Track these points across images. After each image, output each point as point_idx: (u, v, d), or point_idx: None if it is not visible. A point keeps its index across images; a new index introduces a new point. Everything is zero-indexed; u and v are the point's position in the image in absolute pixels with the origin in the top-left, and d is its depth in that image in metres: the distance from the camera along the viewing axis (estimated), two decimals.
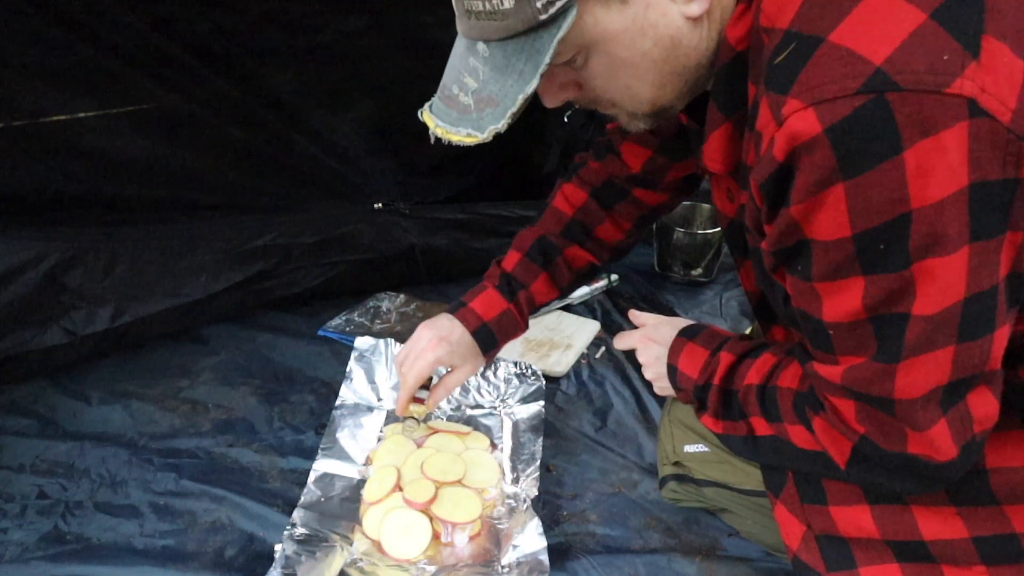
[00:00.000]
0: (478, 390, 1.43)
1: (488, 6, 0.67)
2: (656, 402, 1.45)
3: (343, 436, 1.29)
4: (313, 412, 1.41)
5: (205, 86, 1.51)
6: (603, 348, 1.64)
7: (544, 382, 1.45)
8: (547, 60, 0.68)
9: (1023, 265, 0.63)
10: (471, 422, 1.36)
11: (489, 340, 1.14)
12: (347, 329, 1.66)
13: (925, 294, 0.63)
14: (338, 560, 1.04)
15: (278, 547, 1.06)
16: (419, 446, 1.24)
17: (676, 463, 1.16)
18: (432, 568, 1.05)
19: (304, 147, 1.68)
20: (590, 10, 0.69)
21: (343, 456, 1.24)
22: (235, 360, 1.56)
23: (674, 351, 1.00)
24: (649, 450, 1.34)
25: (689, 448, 1.14)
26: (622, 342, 1.13)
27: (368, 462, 1.23)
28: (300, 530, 1.07)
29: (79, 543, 1.10)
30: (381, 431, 1.31)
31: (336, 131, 1.72)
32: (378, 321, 1.71)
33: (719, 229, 1.82)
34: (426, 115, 0.77)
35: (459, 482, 1.16)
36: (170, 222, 1.60)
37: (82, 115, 1.45)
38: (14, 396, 1.41)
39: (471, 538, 1.10)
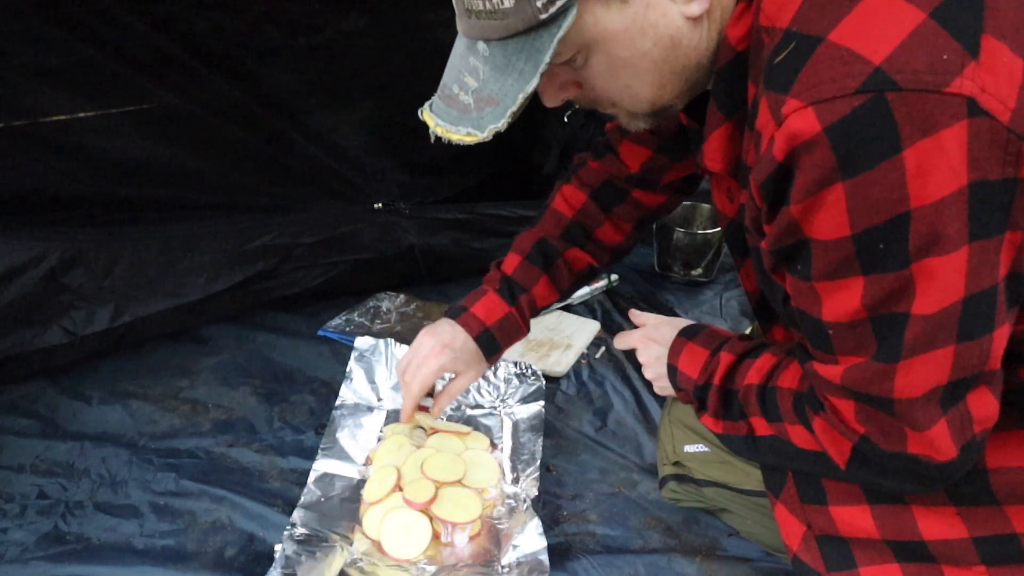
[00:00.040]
0: (478, 390, 1.43)
1: (488, 5, 0.67)
2: (656, 402, 1.45)
3: (343, 436, 1.28)
4: (313, 412, 1.41)
5: (205, 86, 1.51)
6: (603, 348, 1.64)
7: (544, 382, 1.45)
8: (547, 59, 0.68)
9: (1023, 265, 0.63)
10: (471, 422, 1.36)
11: (492, 345, 1.14)
12: (347, 329, 1.66)
13: (925, 294, 0.63)
14: (338, 560, 1.04)
15: (278, 547, 1.06)
16: (419, 446, 1.24)
17: (676, 463, 1.16)
18: (432, 568, 1.05)
19: (304, 147, 1.68)
20: (590, 10, 0.69)
21: (343, 456, 1.24)
22: (235, 360, 1.56)
23: (674, 351, 1.00)
24: (649, 450, 1.34)
25: (689, 448, 1.14)
26: (622, 342, 1.13)
27: (368, 462, 1.23)
28: (300, 530, 1.07)
29: (79, 543, 1.10)
30: (381, 431, 1.31)
31: (336, 131, 1.72)
32: (378, 321, 1.71)
33: (719, 229, 1.82)
34: (426, 114, 0.77)
35: (459, 482, 1.16)
36: (170, 222, 1.60)
37: (82, 115, 1.45)
38: (14, 396, 1.41)
39: (471, 538, 1.10)
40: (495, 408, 1.40)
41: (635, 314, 1.16)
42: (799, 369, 0.82)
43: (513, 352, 1.54)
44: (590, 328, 1.69)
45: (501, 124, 0.71)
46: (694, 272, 1.92)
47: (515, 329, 1.15)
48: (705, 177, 1.05)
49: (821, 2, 0.63)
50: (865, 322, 0.67)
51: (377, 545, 1.07)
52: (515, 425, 1.35)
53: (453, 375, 1.17)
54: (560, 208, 1.18)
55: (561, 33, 0.67)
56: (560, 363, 1.56)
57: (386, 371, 1.44)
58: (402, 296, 1.80)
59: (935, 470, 0.71)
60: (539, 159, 2.02)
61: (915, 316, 0.64)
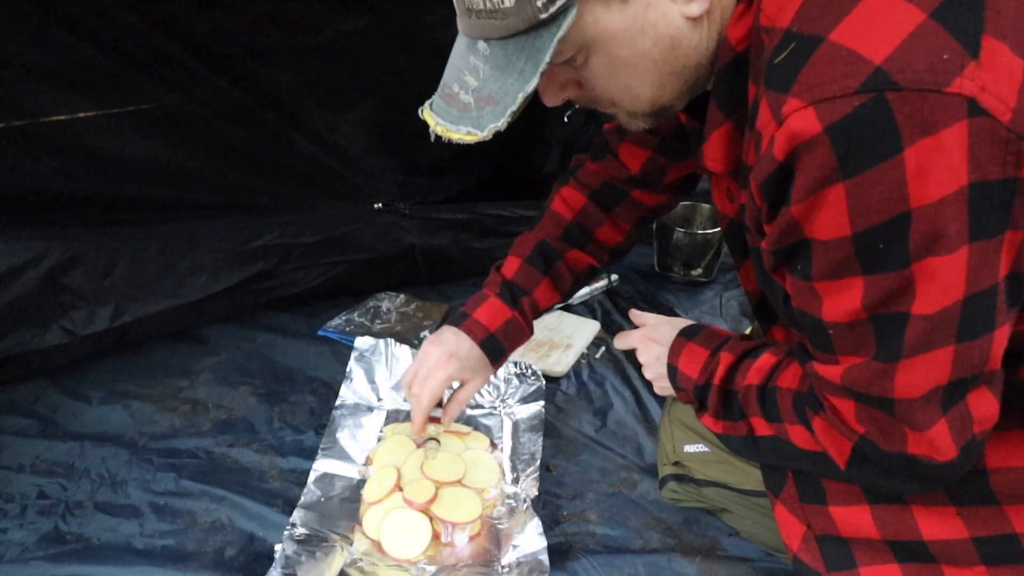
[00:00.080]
0: (478, 390, 1.43)
1: (489, 5, 0.67)
2: (656, 402, 1.45)
3: (343, 436, 1.28)
4: (313, 412, 1.41)
5: (205, 86, 1.51)
6: (603, 348, 1.64)
7: (544, 382, 1.45)
8: (547, 59, 0.68)
9: (1023, 265, 0.63)
10: (471, 422, 1.36)
11: (497, 350, 1.13)
12: (347, 329, 1.66)
13: (925, 293, 0.63)
14: (338, 560, 1.04)
15: (278, 547, 1.06)
16: (419, 446, 1.24)
17: (676, 463, 1.16)
18: (432, 568, 1.05)
19: (304, 147, 1.68)
20: (590, 9, 0.69)
21: (343, 456, 1.24)
22: (235, 360, 1.56)
23: (674, 351, 1.00)
24: (649, 450, 1.34)
25: (689, 448, 1.14)
26: (622, 342, 1.13)
27: (368, 462, 1.23)
28: (300, 530, 1.07)
29: (79, 543, 1.10)
30: (381, 431, 1.31)
31: (336, 131, 1.72)
32: (378, 321, 1.71)
33: (719, 229, 1.82)
34: (426, 113, 0.77)
35: (459, 482, 1.16)
36: (170, 222, 1.60)
37: (82, 115, 1.45)
38: (14, 396, 1.41)
39: (471, 538, 1.10)
40: (495, 408, 1.40)
41: (635, 314, 1.16)
42: (799, 369, 0.82)
43: (514, 352, 1.53)
44: (590, 328, 1.69)
45: (501, 123, 0.71)
46: (694, 272, 1.92)
47: (519, 333, 1.15)
48: (705, 177, 1.05)
49: (821, 2, 0.62)
50: (865, 322, 0.67)
51: (377, 545, 1.07)
52: (515, 425, 1.35)
53: (460, 383, 1.16)
54: (559, 210, 1.18)
55: (561, 33, 0.67)
56: (560, 363, 1.56)
57: (386, 371, 1.44)
58: (402, 296, 1.80)
59: (935, 470, 0.71)
60: (539, 159, 2.02)
61: (915, 316, 0.64)
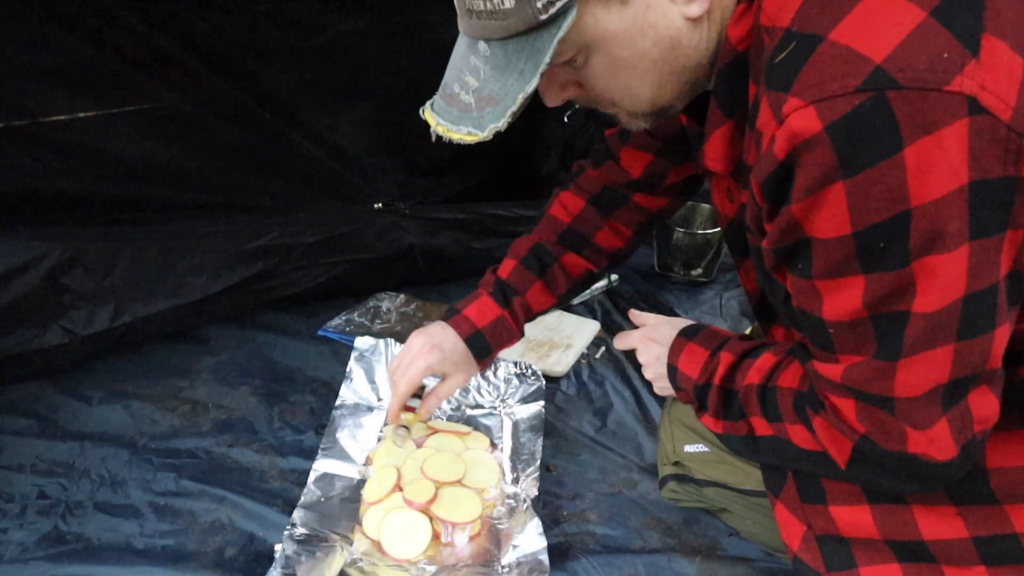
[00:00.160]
0: (478, 390, 1.43)
1: (489, 5, 0.68)
2: (656, 402, 1.45)
3: (343, 436, 1.28)
4: (313, 412, 1.41)
5: (205, 86, 1.51)
6: (603, 348, 1.64)
7: (544, 382, 1.45)
8: (547, 60, 0.68)
9: (1023, 264, 0.63)
10: (471, 422, 1.36)
11: (482, 347, 1.13)
12: (347, 329, 1.66)
13: (925, 292, 0.63)
14: (338, 560, 1.04)
15: (278, 547, 1.06)
16: (419, 446, 1.24)
17: (676, 463, 1.16)
18: (432, 568, 1.05)
19: (304, 147, 1.68)
20: (590, 10, 0.69)
21: (343, 456, 1.24)
22: (235, 360, 1.56)
23: (674, 351, 1.00)
24: (649, 450, 1.34)
25: (689, 448, 1.14)
26: (622, 342, 1.13)
27: (368, 462, 1.23)
28: (300, 530, 1.07)
29: (79, 543, 1.10)
30: (381, 431, 1.31)
31: (336, 131, 1.72)
32: (378, 321, 1.71)
33: (719, 229, 1.82)
34: (427, 113, 0.77)
35: (459, 482, 1.16)
36: (170, 222, 1.60)
37: (82, 115, 1.45)
38: (14, 396, 1.40)
39: (471, 538, 1.10)
40: (495, 408, 1.40)
41: (635, 314, 1.16)
42: (799, 369, 0.82)
43: (513, 352, 1.54)
44: (590, 328, 1.69)
45: (501, 124, 0.71)
46: (694, 272, 1.92)
47: (507, 332, 1.14)
48: (706, 179, 1.05)
49: (821, 1, 0.63)
50: (866, 321, 0.67)
51: (377, 545, 1.07)
52: (515, 425, 1.35)
53: (442, 377, 1.16)
54: (557, 214, 1.18)
55: (561, 34, 0.67)
56: (560, 363, 1.56)
57: (386, 371, 1.44)
58: (402, 296, 1.80)
59: (935, 469, 0.70)
60: (539, 159, 2.02)
61: (916, 314, 0.64)
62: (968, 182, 0.58)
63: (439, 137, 0.76)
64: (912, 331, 0.65)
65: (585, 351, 1.63)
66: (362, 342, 1.48)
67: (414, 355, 1.11)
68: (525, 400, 1.40)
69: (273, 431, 1.35)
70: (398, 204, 1.81)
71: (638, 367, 1.23)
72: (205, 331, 1.63)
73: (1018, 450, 0.76)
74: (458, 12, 0.73)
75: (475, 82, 0.72)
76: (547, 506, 1.20)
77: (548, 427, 1.36)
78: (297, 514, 1.10)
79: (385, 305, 1.77)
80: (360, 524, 1.11)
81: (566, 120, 1.89)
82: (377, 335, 1.53)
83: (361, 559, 1.05)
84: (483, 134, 0.72)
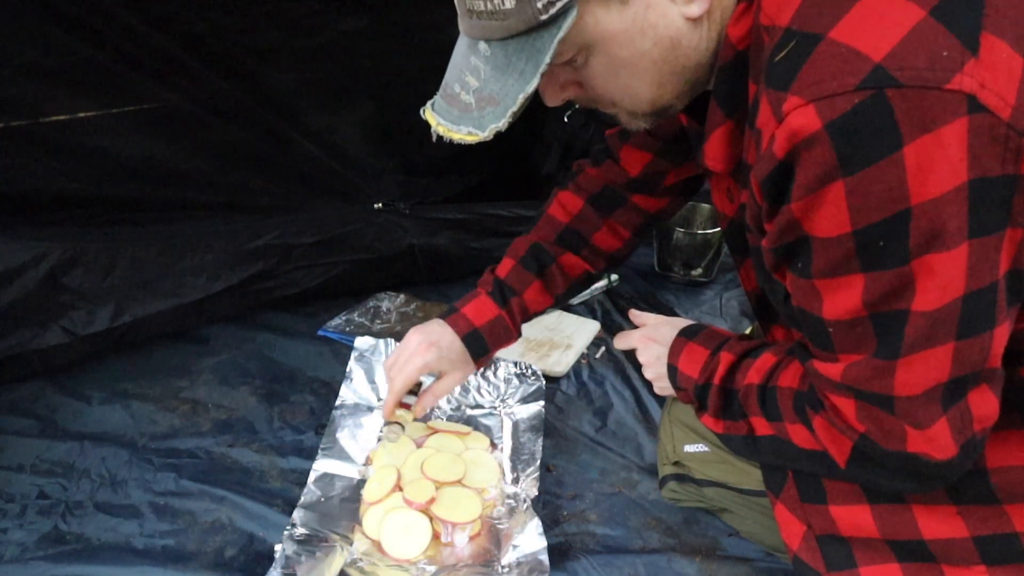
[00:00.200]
0: (478, 390, 1.43)
1: (489, 6, 0.68)
2: (656, 402, 1.45)
3: (343, 436, 1.28)
4: (313, 412, 1.41)
5: (205, 86, 1.51)
6: (603, 348, 1.64)
7: (544, 382, 1.45)
8: (547, 60, 0.68)
9: (1023, 262, 0.63)
10: (471, 422, 1.36)
11: (479, 346, 1.13)
12: (347, 329, 1.66)
13: (925, 290, 0.63)
14: (338, 560, 1.04)
15: (278, 547, 1.06)
16: (419, 446, 1.24)
17: (676, 463, 1.16)
18: (432, 568, 1.05)
19: (304, 147, 1.68)
20: (590, 11, 0.69)
21: (343, 456, 1.24)
22: (235, 360, 1.56)
23: (674, 351, 1.00)
24: (649, 450, 1.34)
25: (689, 448, 1.14)
26: (622, 342, 1.13)
27: (368, 462, 1.23)
28: (300, 530, 1.07)
29: (79, 543, 1.10)
30: (381, 431, 1.31)
31: (336, 131, 1.72)
32: (378, 321, 1.71)
33: (719, 229, 1.82)
34: (428, 113, 0.77)
35: (459, 482, 1.16)
36: (170, 222, 1.60)
37: (82, 115, 1.45)
38: (14, 396, 1.41)
39: (471, 538, 1.10)
40: (495, 408, 1.40)
41: (635, 314, 1.16)
42: (799, 368, 0.82)
43: (513, 352, 1.54)
44: (590, 328, 1.69)
45: (502, 124, 0.71)
46: (694, 272, 1.92)
47: (505, 332, 1.14)
48: (706, 178, 1.05)
49: (821, 0, 0.63)
50: (865, 319, 0.67)
51: (377, 545, 1.07)
52: (515, 425, 1.35)
53: (438, 375, 1.16)
54: (556, 214, 1.18)
55: (561, 34, 0.68)
56: (560, 363, 1.56)
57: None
58: (402, 296, 1.80)
59: (935, 469, 0.70)
60: (539, 159, 2.02)
61: (915, 313, 0.64)
62: (968, 180, 0.58)
63: (440, 137, 0.76)
64: (912, 330, 0.65)
65: (585, 351, 1.63)
66: (362, 342, 1.48)
67: (411, 352, 1.11)
68: (525, 400, 1.40)
69: (273, 431, 1.35)
70: (398, 204, 1.81)
71: (638, 367, 1.23)
72: (205, 331, 1.63)
73: (1018, 450, 0.76)
74: (458, 12, 0.73)
75: (476, 82, 0.72)
76: (547, 506, 1.20)
77: (548, 427, 1.36)
78: (297, 514, 1.10)
79: (385, 305, 1.77)
80: (360, 524, 1.11)
81: (566, 120, 1.89)
82: (377, 335, 1.53)
83: (361, 559, 1.05)
84: (484, 134, 0.72)
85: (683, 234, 1.89)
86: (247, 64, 1.54)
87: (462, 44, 0.75)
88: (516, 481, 1.21)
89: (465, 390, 1.42)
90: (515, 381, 1.45)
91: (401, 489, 1.13)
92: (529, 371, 1.46)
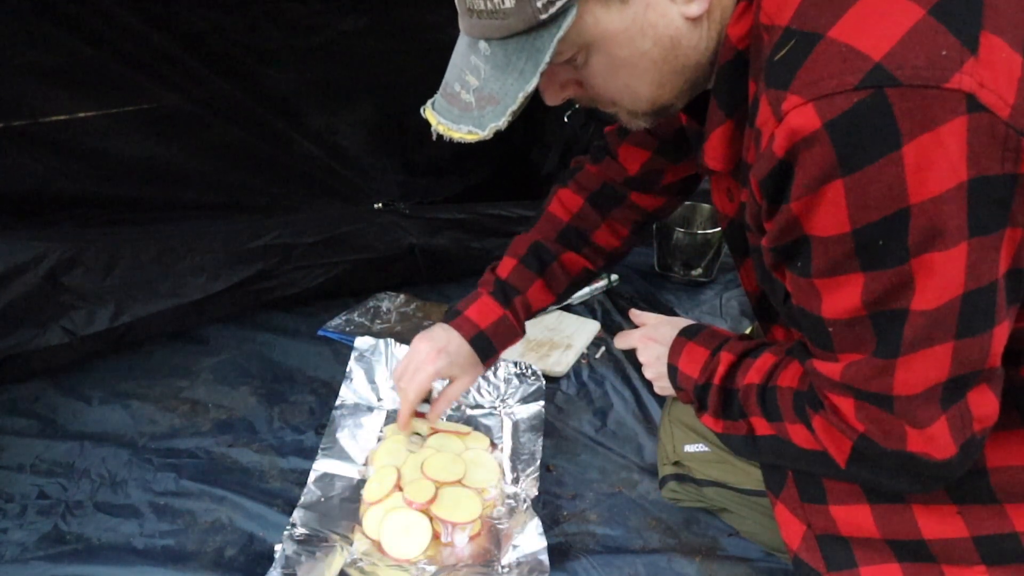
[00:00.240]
0: (478, 390, 1.43)
1: (489, 5, 0.68)
2: (656, 402, 1.45)
3: (343, 436, 1.28)
4: (313, 412, 1.41)
5: (205, 86, 1.51)
6: (603, 348, 1.64)
7: (544, 382, 1.45)
8: (547, 59, 0.68)
9: (1023, 262, 0.63)
10: (471, 422, 1.36)
11: (487, 348, 1.13)
12: (347, 329, 1.66)
13: (924, 289, 0.63)
14: (338, 560, 1.04)
15: (278, 547, 1.06)
16: (413, 452, 1.23)
17: (676, 463, 1.16)
18: (432, 568, 1.05)
19: (304, 147, 1.68)
20: (590, 10, 0.69)
21: (343, 456, 1.24)
22: (235, 360, 1.55)
23: (674, 351, 1.00)
24: (649, 450, 1.34)
25: (689, 448, 1.14)
26: (622, 342, 1.13)
27: (368, 462, 1.23)
28: (300, 530, 1.07)
29: (79, 543, 1.10)
30: (381, 431, 1.31)
31: (336, 131, 1.72)
32: (378, 321, 1.71)
33: (719, 229, 1.82)
34: (428, 112, 0.77)
35: (459, 482, 1.16)
36: (170, 222, 1.60)
37: (82, 115, 1.45)
38: (14, 396, 1.40)
39: (471, 538, 1.09)
40: (495, 408, 1.40)
41: (635, 314, 1.16)
42: (799, 368, 0.82)
43: (513, 352, 1.54)
44: (590, 328, 1.69)
45: (502, 122, 0.71)
46: (694, 272, 1.92)
47: (510, 332, 1.15)
48: (705, 177, 1.05)
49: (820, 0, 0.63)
50: (865, 319, 0.67)
51: (377, 545, 1.07)
52: (515, 425, 1.35)
53: (449, 380, 1.16)
54: (556, 212, 1.18)
55: (561, 33, 0.68)
56: (560, 363, 1.56)
57: (386, 371, 1.44)
58: (402, 296, 1.80)
59: (934, 468, 0.70)
60: (539, 159, 2.02)
61: (914, 312, 0.64)
62: (967, 179, 0.58)
63: (440, 136, 0.76)
64: (911, 329, 0.65)
65: (585, 351, 1.63)
66: (362, 342, 1.48)
67: (420, 361, 1.11)
68: (525, 400, 1.40)
69: (273, 431, 1.35)
70: (398, 204, 1.81)
71: (638, 367, 1.23)
72: (205, 331, 1.63)
73: (1018, 449, 0.76)
74: (459, 11, 0.73)
75: (476, 81, 0.72)
76: (547, 506, 1.20)
77: (548, 427, 1.36)
78: (297, 514, 1.10)
79: (385, 305, 1.77)
80: (360, 524, 1.10)
81: (566, 120, 1.89)
82: (377, 335, 1.53)
83: (361, 559, 1.05)
84: (484, 133, 0.72)
85: (683, 234, 1.89)
86: (247, 64, 1.54)
87: (462, 43, 0.75)
88: (516, 481, 1.21)
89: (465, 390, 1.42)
90: (515, 381, 1.44)
91: (401, 489, 1.13)
92: (529, 371, 1.45)
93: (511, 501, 1.16)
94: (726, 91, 0.75)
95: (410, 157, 1.82)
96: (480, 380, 1.43)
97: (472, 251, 1.83)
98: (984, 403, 0.69)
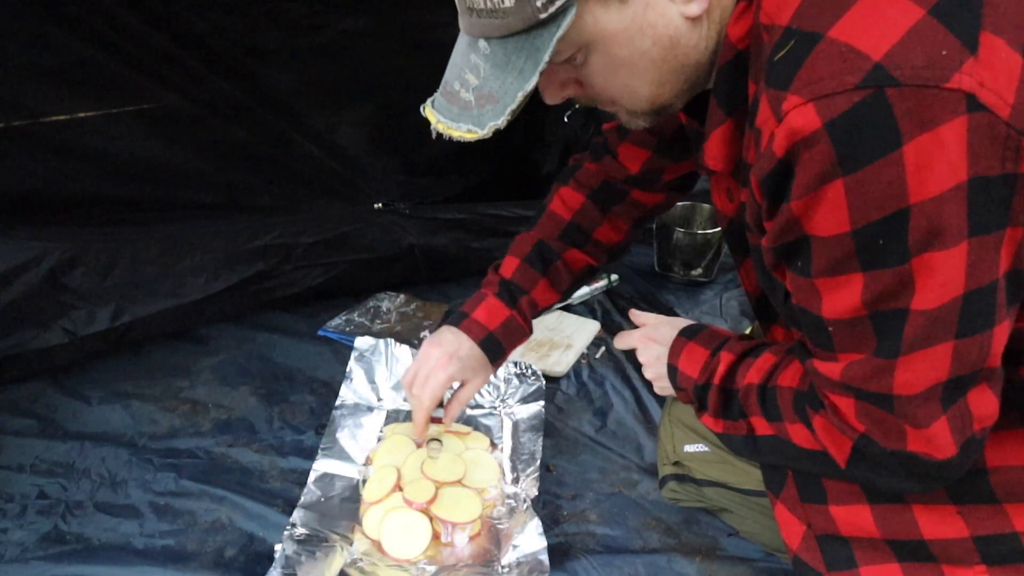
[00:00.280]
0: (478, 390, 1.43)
1: (489, 4, 0.68)
2: (656, 402, 1.45)
3: (343, 436, 1.28)
4: (313, 412, 1.41)
5: (205, 86, 1.51)
6: (603, 348, 1.64)
7: (544, 382, 1.45)
8: (546, 58, 0.68)
9: (1023, 262, 0.63)
10: (471, 422, 1.36)
11: (496, 349, 1.13)
12: (347, 329, 1.66)
13: (924, 288, 0.63)
14: (338, 560, 1.04)
15: (278, 547, 1.06)
16: (419, 446, 1.24)
17: (676, 463, 1.16)
18: (432, 568, 1.05)
19: (304, 147, 1.68)
20: (589, 10, 0.69)
21: (343, 456, 1.24)
22: (235, 360, 1.56)
23: (674, 351, 1.00)
24: (649, 450, 1.34)
25: (689, 448, 1.14)
26: (622, 342, 1.13)
27: (368, 462, 1.23)
28: (300, 530, 1.07)
29: (79, 543, 1.10)
30: (381, 431, 1.31)
31: (336, 131, 1.72)
32: (378, 321, 1.71)
33: (719, 229, 1.82)
34: (428, 111, 0.77)
35: (459, 482, 1.16)
36: (170, 222, 1.60)
37: (82, 115, 1.45)
38: (14, 396, 1.40)
39: (471, 538, 1.09)
40: (495, 408, 1.40)
41: (635, 314, 1.16)
42: (799, 368, 0.82)
43: (513, 352, 1.53)
44: (590, 328, 1.69)
45: (501, 121, 0.71)
46: (694, 272, 1.92)
47: (518, 332, 1.15)
48: (704, 176, 1.05)
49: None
50: (865, 319, 0.67)
51: (377, 545, 1.07)
52: (515, 425, 1.35)
53: (460, 383, 1.16)
54: (558, 210, 1.18)
55: (560, 32, 0.68)
56: (560, 363, 1.56)
57: (386, 371, 1.44)
58: (402, 296, 1.80)
59: (934, 468, 0.70)
60: (539, 159, 2.02)
61: (915, 312, 0.64)
62: (967, 179, 0.58)
63: (439, 135, 0.76)
64: (911, 329, 0.65)
65: (585, 351, 1.62)
66: (362, 342, 1.48)
67: (432, 367, 1.11)
68: (525, 400, 1.40)
69: (273, 431, 1.35)
70: (398, 204, 1.81)
71: (638, 367, 1.23)
72: (205, 331, 1.63)
73: (1018, 449, 0.76)
74: (459, 10, 0.73)
75: (475, 80, 0.72)
76: (547, 506, 1.20)
77: (548, 427, 1.36)
78: (297, 514, 1.10)
79: (385, 305, 1.77)
80: (360, 524, 1.11)
81: (566, 120, 1.89)
82: (377, 335, 1.53)
83: (361, 559, 1.05)
84: (483, 132, 0.72)
85: (683, 234, 1.89)
86: (247, 64, 1.54)
87: (462, 42, 0.75)
88: (516, 481, 1.21)
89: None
90: (515, 381, 1.44)
91: (401, 489, 1.13)
92: (529, 371, 1.45)
93: (511, 501, 1.16)
94: (726, 91, 0.75)
95: (410, 157, 1.82)
96: None
97: (472, 251, 1.83)
98: (984, 403, 0.69)
